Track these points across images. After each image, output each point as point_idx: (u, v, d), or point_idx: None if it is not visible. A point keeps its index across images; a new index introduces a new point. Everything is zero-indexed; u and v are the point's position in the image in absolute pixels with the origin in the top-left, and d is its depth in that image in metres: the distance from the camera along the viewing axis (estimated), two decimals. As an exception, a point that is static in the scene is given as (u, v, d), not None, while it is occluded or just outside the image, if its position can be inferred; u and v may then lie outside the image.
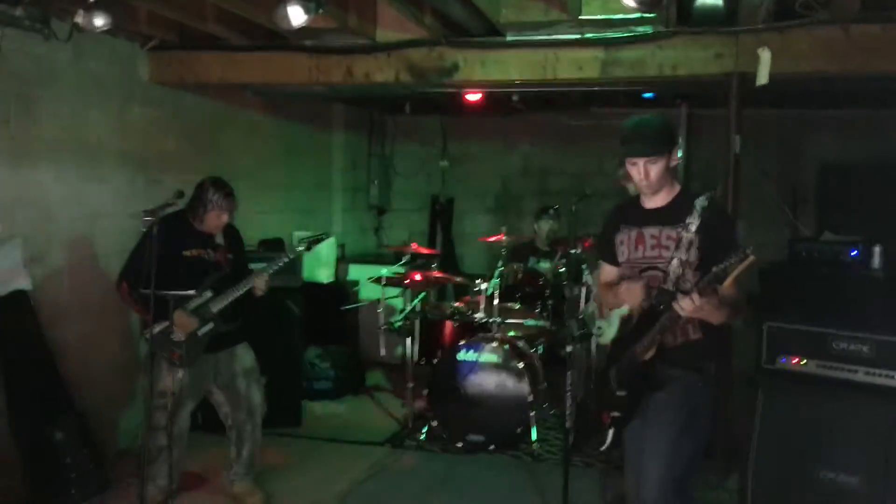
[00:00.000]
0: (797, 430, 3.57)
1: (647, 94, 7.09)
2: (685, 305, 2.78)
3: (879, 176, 7.14)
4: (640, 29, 4.70)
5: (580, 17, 4.68)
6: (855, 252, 5.28)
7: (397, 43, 5.11)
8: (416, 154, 9.49)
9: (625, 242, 3.20)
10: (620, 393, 3.11)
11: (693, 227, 2.96)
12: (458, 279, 6.18)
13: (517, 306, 5.80)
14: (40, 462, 4.34)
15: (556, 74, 4.96)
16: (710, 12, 4.55)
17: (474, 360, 5.35)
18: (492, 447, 5.30)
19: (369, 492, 4.69)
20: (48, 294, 4.67)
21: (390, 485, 4.82)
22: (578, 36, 4.82)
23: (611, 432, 3.17)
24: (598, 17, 4.66)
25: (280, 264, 4.38)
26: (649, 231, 3.12)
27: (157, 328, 4.07)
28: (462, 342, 5.42)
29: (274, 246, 6.57)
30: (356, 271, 8.02)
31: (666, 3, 4.44)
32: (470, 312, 5.69)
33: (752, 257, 2.63)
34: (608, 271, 3.35)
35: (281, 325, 5.73)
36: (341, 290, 7.54)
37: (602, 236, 3.42)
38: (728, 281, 2.70)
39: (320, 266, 7.37)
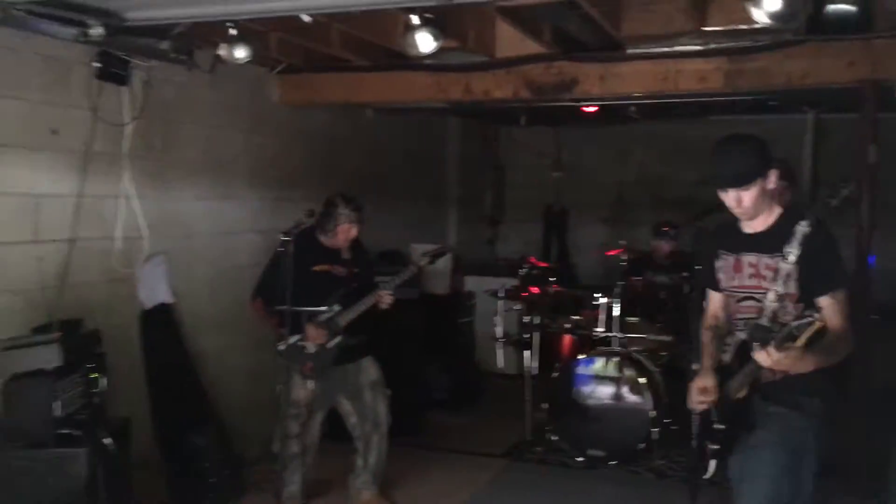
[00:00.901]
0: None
1: (772, 101, 6.87)
2: (761, 359, 2.63)
3: None
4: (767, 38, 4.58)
5: (703, 28, 4.60)
6: None
7: (516, 59, 5.15)
8: (529, 165, 9.52)
9: (723, 269, 3.05)
10: (719, 426, 2.98)
11: (792, 258, 2.76)
12: (576, 292, 6.15)
13: (637, 320, 5.74)
14: (181, 466, 4.58)
15: (677, 86, 4.90)
16: (843, 19, 4.38)
17: (594, 373, 5.33)
18: (613, 462, 5.27)
19: (491, 503, 4.74)
20: (188, 307, 4.93)
21: (511, 497, 4.87)
22: (701, 47, 4.75)
23: (713, 463, 3.04)
24: (723, 28, 4.56)
25: (404, 278, 4.49)
26: (747, 258, 2.94)
27: (290, 341, 4.27)
28: (582, 356, 5.41)
29: (393, 258, 6.73)
30: (471, 283, 8.10)
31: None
32: (589, 326, 5.66)
33: (818, 323, 2.49)
34: (714, 298, 3.19)
35: (400, 336, 5.86)
36: (457, 301, 7.63)
37: (702, 262, 3.26)
38: (802, 341, 2.52)
39: (436, 278, 7.48)
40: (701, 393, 2.98)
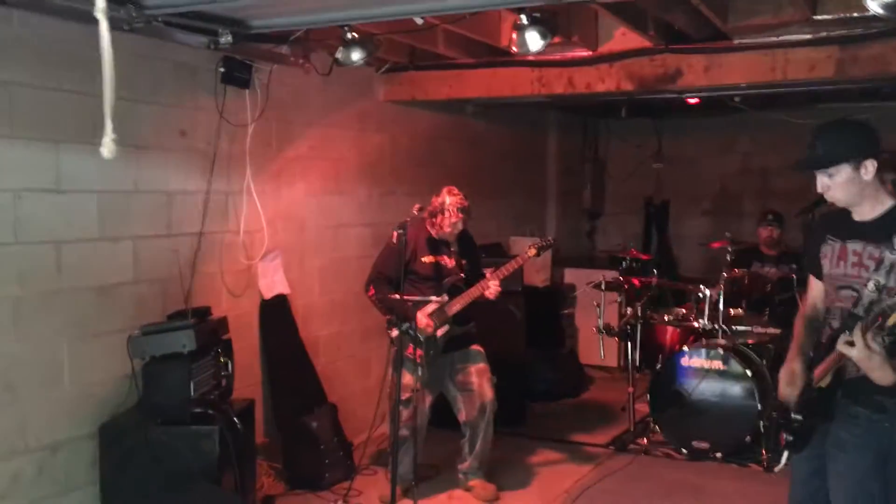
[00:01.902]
0: None
1: (885, 89, 6.65)
2: (843, 350, 2.58)
3: None
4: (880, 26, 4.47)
5: (814, 17, 4.53)
6: None
7: (619, 53, 5.18)
8: (629, 156, 9.47)
9: (827, 256, 2.97)
10: (796, 416, 2.92)
11: None
12: (678, 284, 6.15)
13: (743, 312, 5.69)
14: (298, 447, 4.83)
15: (785, 76, 4.83)
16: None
17: (699, 366, 5.33)
18: (718, 455, 5.25)
19: (595, 492, 4.81)
20: (302, 297, 5.19)
21: (616, 487, 4.92)
22: (811, 36, 4.67)
23: (785, 454, 2.99)
24: (834, 16, 4.48)
25: (512, 269, 4.61)
26: (852, 246, 2.85)
27: (401, 328, 4.46)
28: (686, 348, 5.41)
29: (493, 251, 6.85)
30: (571, 275, 8.16)
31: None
32: (693, 318, 5.65)
33: None
34: (814, 286, 3.12)
35: (504, 327, 5.97)
36: (557, 293, 7.69)
37: (808, 248, 3.20)
38: (891, 320, 2.45)
39: (537, 270, 7.56)
40: (788, 379, 2.94)
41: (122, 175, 3.95)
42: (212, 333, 3.93)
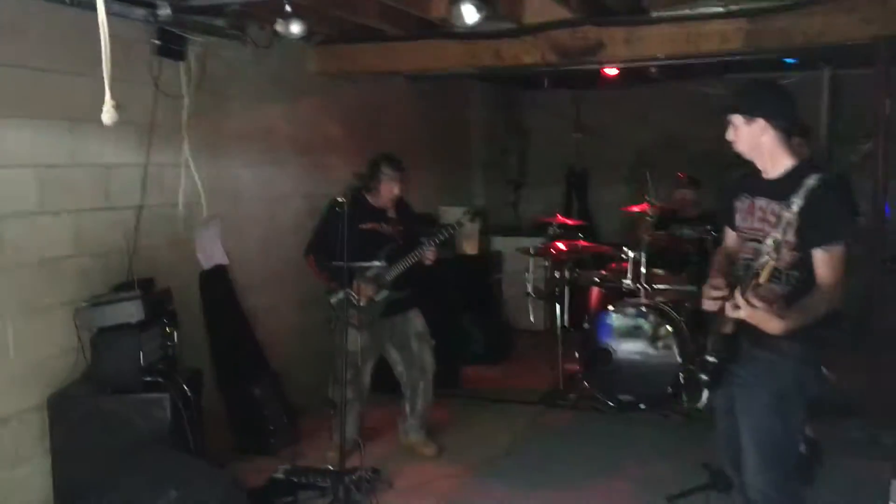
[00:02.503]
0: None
1: (790, 59, 7.07)
2: (731, 314, 2.80)
3: None
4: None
5: (725, -9, 4.82)
6: None
7: (543, 25, 5.37)
8: (550, 127, 9.74)
9: (739, 210, 3.20)
10: (711, 359, 3.12)
11: (795, 207, 2.77)
12: (604, 248, 6.44)
13: (662, 272, 6.02)
14: (243, 415, 4.94)
15: (699, 48, 5.12)
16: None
17: (623, 324, 5.63)
18: (642, 406, 5.59)
19: (531, 445, 5.08)
20: (241, 268, 5.26)
21: (550, 439, 5.20)
22: (723, 9, 4.96)
23: (705, 393, 3.18)
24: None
25: (446, 235, 4.78)
26: (759, 202, 3.08)
27: (341, 295, 4.61)
28: (611, 307, 5.71)
29: (422, 221, 7.01)
30: (498, 243, 8.42)
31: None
32: (617, 279, 5.95)
33: (771, 262, 2.68)
34: (729, 235, 3.36)
35: (438, 294, 6.16)
36: (487, 261, 7.94)
37: (723, 201, 3.38)
38: (762, 278, 2.71)
39: (466, 239, 7.78)
40: (713, 289, 3.05)
41: (59, 148, 3.95)
42: (158, 304, 3.99)
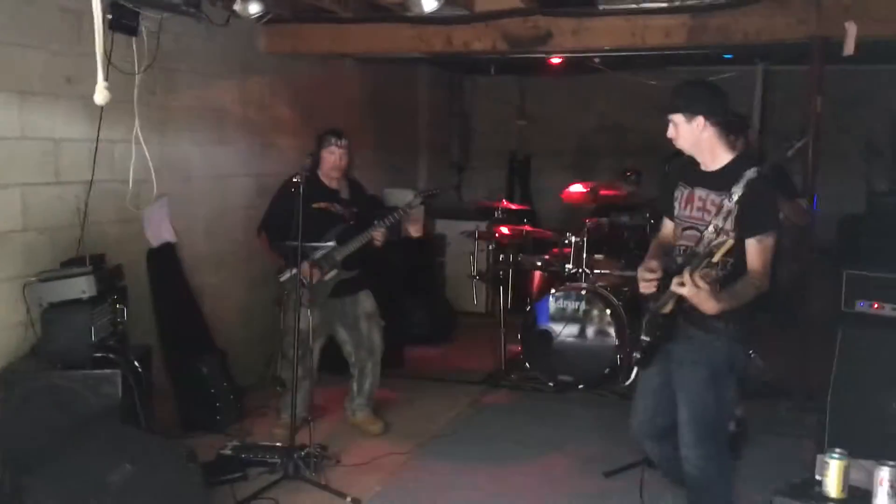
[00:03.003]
0: (873, 368, 3.93)
1: (727, 55, 7.32)
2: (675, 290, 2.98)
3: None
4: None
5: (670, -14, 4.99)
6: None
7: (494, 13, 5.48)
8: (494, 113, 9.89)
9: (678, 199, 3.37)
10: (644, 338, 3.29)
11: (735, 198, 3.03)
12: (548, 233, 6.61)
13: (603, 257, 6.22)
14: (189, 392, 4.96)
15: (644, 41, 5.29)
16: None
17: (564, 307, 5.81)
18: (581, 387, 5.79)
19: (474, 423, 5.22)
20: (188, 246, 5.25)
21: (492, 417, 5.35)
22: (667, 4, 5.13)
23: (634, 371, 3.49)
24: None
25: (398, 217, 4.85)
26: (699, 192, 3.26)
27: (289, 274, 4.66)
28: (553, 291, 5.88)
29: (377, 204, 7.07)
30: (442, 226, 8.53)
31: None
32: (559, 263, 6.12)
33: (730, 241, 2.90)
34: (667, 224, 3.54)
35: (384, 275, 6.24)
36: (431, 243, 8.04)
37: (663, 190, 3.59)
38: (717, 257, 2.93)
39: (411, 222, 7.86)
40: (648, 272, 3.25)
41: (7, 121, 3.90)
42: (109, 280, 3.99)
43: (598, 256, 6.19)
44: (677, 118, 3.22)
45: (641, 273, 3.30)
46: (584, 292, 5.81)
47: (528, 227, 6.43)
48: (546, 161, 9.89)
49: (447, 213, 9.08)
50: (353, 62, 7.13)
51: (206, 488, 3.60)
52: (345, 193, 4.88)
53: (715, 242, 2.97)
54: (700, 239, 3.17)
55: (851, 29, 4.51)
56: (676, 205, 3.38)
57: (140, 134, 4.61)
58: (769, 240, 3.09)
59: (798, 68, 6.75)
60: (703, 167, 3.30)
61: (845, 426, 3.96)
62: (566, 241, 6.02)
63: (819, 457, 2.71)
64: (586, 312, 5.77)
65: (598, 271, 6.11)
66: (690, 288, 2.94)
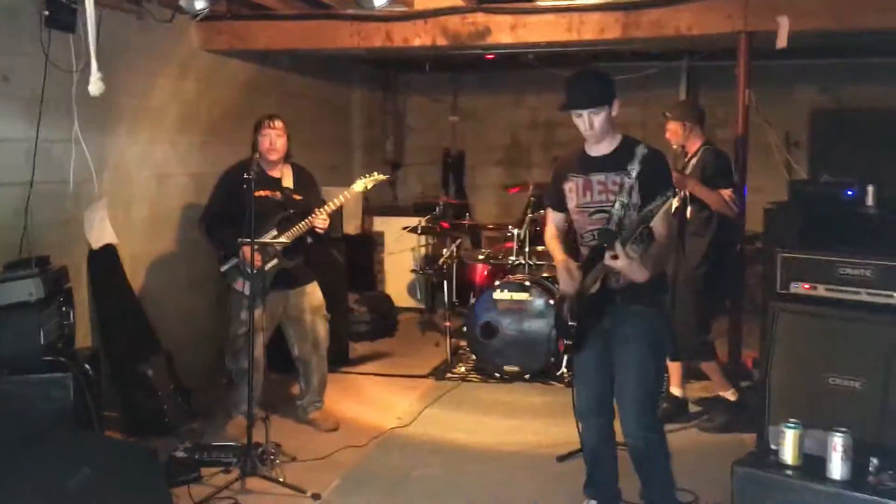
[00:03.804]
0: (809, 345, 4.12)
1: (656, 52, 7.55)
2: (609, 263, 3.12)
3: (867, 120, 7.71)
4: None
5: (605, -17, 5.13)
6: (851, 192, 5.87)
7: (434, 10, 5.54)
8: (427, 110, 9.94)
9: (573, 190, 3.47)
10: (572, 323, 3.42)
11: (634, 174, 3.25)
12: (489, 227, 6.71)
13: (544, 248, 6.34)
14: (136, 394, 4.86)
15: (580, 36, 5.43)
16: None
17: (507, 298, 5.92)
18: (527, 376, 5.90)
19: (426, 416, 5.26)
20: (129, 247, 5.15)
21: (443, 410, 5.40)
22: (601, 1, 5.29)
23: (565, 358, 3.60)
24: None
25: (342, 203, 4.83)
26: (596, 177, 3.40)
27: (231, 263, 4.63)
28: (497, 283, 5.98)
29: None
30: (379, 223, 8.55)
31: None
32: (502, 256, 6.23)
33: (672, 200, 3.07)
34: (555, 219, 3.72)
35: (326, 272, 6.23)
36: (369, 240, 8.05)
37: (551, 186, 3.68)
38: (658, 218, 3.10)
39: (348, 218, 7.87)
40: (567, 276, 3.43)
41: (-58, 121, 3.77)
42: (55, 282, 3.89)
43: (541, 248, 6.31)
44: (593, 113, 3.30)
45: (563, 280, 3.47)
46: (527, 283, 5.92)
47: (469, 221, 6.50)
48: (480, 157, 10.00)
49: (383, 210, 9.13)
50: (289, 59, 7.07)
51: (169, 489, 3.55)
52: (288, 181, 4.82)
53: (649, 208, 3.08)
54: (609, 218, 3.34)
55: (784, 23, 4.72)
56: (573, 195, 3.49)
57: (80, 133, 4.50)
58: (668, 203, 3.23)
59: (721, 64, 7.02)
60: (592, 153, 3.44)
61: (784, 400, 4.12)
62: (509, 235, 6.12)
63: (772, 428, 2.85)
64: (529, 303, 5.89)
65: (540, 262, 6.23)
66: (623, 260, 3.08)
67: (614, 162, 3.36)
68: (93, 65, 1.65)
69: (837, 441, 2.53)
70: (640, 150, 3.28)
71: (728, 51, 5.91)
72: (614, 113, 3.36)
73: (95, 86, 1.64)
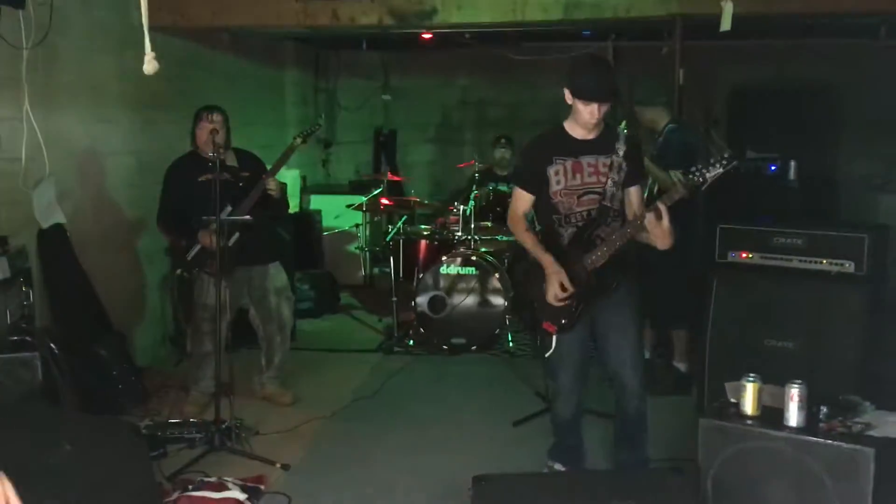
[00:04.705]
0: (746, 310, 4.42)
1: (585, 32, 7.78)
2: (653, 221, 3.33)
3: (782, 98, 8.15)
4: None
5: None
6: (774, 167, 6.25)
7: (381, -11, 5.61)
8: (359, 88, 9.96)
9: (560, 172, 3.53)
10: (577, 307, 3.54)
11: (622, 152, 3.45)
12: (434, 204, 6.85)
13: (490, 224, 6.53)
14: (90, 375, 4.80)
15: (524, 17, 5.59)
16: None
17: (455, 272, 6.09)
18: (474, 347, 6.09)
19: (378, 387, 5.38)
20: (76, 227, 5.07)
21: (396, 382, 5.53)
22: (545, -19, 5.46)
23: (554, 339, 3.61)
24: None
25: (286, 160, 4.91)
26: (586, 160, 3.51)
27: (195, 249, 4.65)
28: (444, 257, 6.13)
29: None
30: (316, 202, 8.59)
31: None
32: (447, 232, 6.38)
33: (735, 161, 3.27)
34: (525, 201, 3.66)
35: (275, 254, 6.25)
36: (308, 218, 8.08)
37: (528, 168, 3.67)
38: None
39: (289, 197, 7.88)
40: (562, 289, 3.46)
41: None
42: (16, 262, 3.84)
43: (486, 223, 6.49)
44: (602, 105, 3.40)
45: (554, 289, 3.46)
46: (473, 258, 6.09)
47: (413, 199, 6.62)
48: (411, 135, 10.09)
49: (319, 188, 9.16)
50: (228, 37, 7.01)
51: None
52: (231, 161, 4.83)
53: (711, 172, 3.27)
54: (604, 196, 3.50)
55: (727, 7, 4.98)
56: (561, 178, 3.53)
57: (30, 111, 4.42)
58: (645, 184, 3.53)
59: (645, 44, 7.31)
60: (578, 136, 3.53)
61: (722, 360, 4.43)
62: (454, 211, 6.27)
63: (729, 384, 3.09)
64: (476, 277, 6.07)
65: (484, 237, 6.40)
66: (666, 218, 3.30)
67: (602, 145, 3.50)
68: (147, 45, 1.69)
69: (794, 391, 2.79)
70: (622, 131, 3.46)
71: (651, 32, 6.21)
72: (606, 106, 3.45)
73: (150, 65, 1.68)
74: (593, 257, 3.52)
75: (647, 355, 5.27)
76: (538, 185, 3.60)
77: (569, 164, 3.53)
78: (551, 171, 3.55)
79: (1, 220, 4.32)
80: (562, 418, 3.87)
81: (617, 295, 3.58)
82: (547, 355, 3.66)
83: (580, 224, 3.57)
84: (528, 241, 3.65)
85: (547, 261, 3.52)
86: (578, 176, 3.54)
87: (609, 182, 3.47)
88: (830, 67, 8.08)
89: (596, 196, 3.53)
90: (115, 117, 5.56)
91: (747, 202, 5.68)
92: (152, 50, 1.79)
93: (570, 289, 3.49)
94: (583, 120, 3.46)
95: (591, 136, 3.53)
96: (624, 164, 3.45)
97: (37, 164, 4.53)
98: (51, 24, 4.41)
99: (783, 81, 8.40)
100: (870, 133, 8.02)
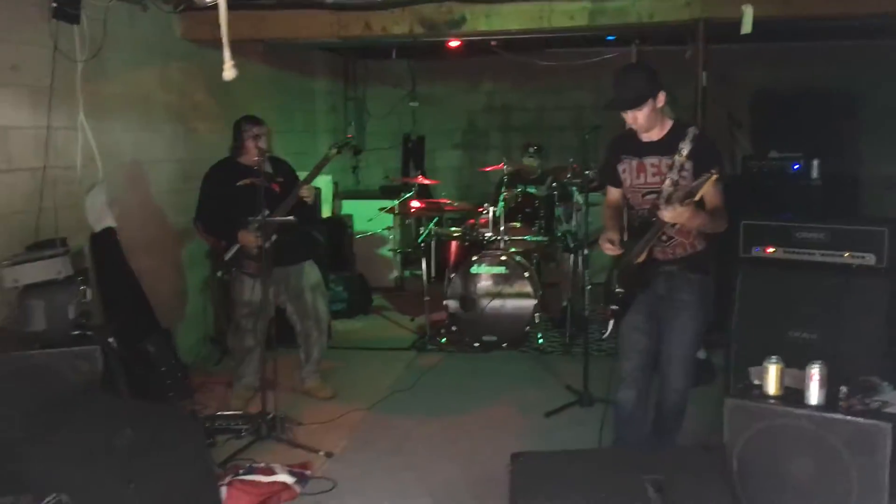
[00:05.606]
0: (770, 303, 4.55)
1: (610, 37, 7.95)
2: (665, 215, 3.41)
3: (805, 100, 8.27)
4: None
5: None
6: (797, 166, 6.38)
7: (411, -1, 5.82)
8: (387, 96, 10.19)
9: (626, 171, 3.70)
10: (619, 290, 3.72)
11: (685, 152, 3.40)
12: (465, 206, 7.04)
13: (518, 225, 6.72)
14: (140, 371, 5.04)
15: (550, 24, 5.77)
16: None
17: (485, 272, 6.27)
18: (504, 345, 6.27)
19: (413, 383, 5.58)
20: (125, 230, 5.32)
21: (430, 377, 5.73)
22: (571, -11, 5.66)
23: (611, 323, 3.80)
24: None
25: (321, 169, 5.04)
26: (649, 161, 3.62)
27: (233, 250, 4.88)
28: (474, 258, 6.32)
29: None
30: (347, 206, 8.83)
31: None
32: (478, 233, 6.57)
33: (714, 175, 3.29)
34: (613, 192, 3.91)
35: (308, 252, 6.48)
36: (340, 223, 8.31)
37: (605, 165, 3.91)
38: (699, 195, 3.31)
39: (322, 202, 8.12)
40: (608, 242, 3.67)
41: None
42: (76, 261, 4.09)
43: (515, 224, 6.67)
44: (642, 108, 3.50)
45: (603, 242, 3.71)
46: (502, 258, 6.28)
47: (444, 200, 6.81)
48: (439, 140, 10.32)
49: (350, 194, 9.40)
50: (263, 48, 7.26)
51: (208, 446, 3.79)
52: (267, 168, 5.04)
53: (696, 183, 3.33)
54: (660, 195, 3.56)
55: (748, 10, 5.13)
56: (626, 176, 3.73)
57: (85, 121, 4.68)
58: (711, 179, 3.43)
59: (668, 48, 7.46)
60: (644, 138, 3.64)
61: (749, 351, 4.54)
62: (484, 213, 6.46)
63: (753, 368, 3.25)
64: (506, 277, 6.25)
65: (514, 238, 6.59)
66: (673, 212, 3.32)
67: (665, 146, 3.57)
68: (226, 53, 1.90)
69: (814, 371, 2.94)
70: (692, 131, 3.46)
71: (674, 36, 6.37)
72: (659, 104, 3.54)
73: (230, 72, 1.89)
74: (634, 252, 3.67)
75: (703, 355, 5.33)
76: (615, 180, 3.82)
77: (634, 163, 3.69)
78: (620, 168, 3.76)
79: (59, 224, 4.56)
80: (620, 407, 3.90)
81: (684, 291, 3.68)
82: (604, 336, 4.01)
83: (642, 220, 3.71)
84: (605, 217, 3.91)
85: (608, 226, 3.80)
86: (642, 175, 3.68)
87: (667, 181, 3.50)
88: (852, 69, 8.21)
89: (655, 196, 3.59)
90: (159, 127, 5.82)
91: (770, 200, 5.83)
92: (231, 59, 1.96)
93: (617, 247, 3.67)
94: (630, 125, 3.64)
95: (655, 138, 3.63)
96: (686, 164, 3.46)
97: (90, 171, 4.79)
98: (104, 38, 4.65)
99: (806, 83, 8.51)
100: (892, 133, 8.12)
